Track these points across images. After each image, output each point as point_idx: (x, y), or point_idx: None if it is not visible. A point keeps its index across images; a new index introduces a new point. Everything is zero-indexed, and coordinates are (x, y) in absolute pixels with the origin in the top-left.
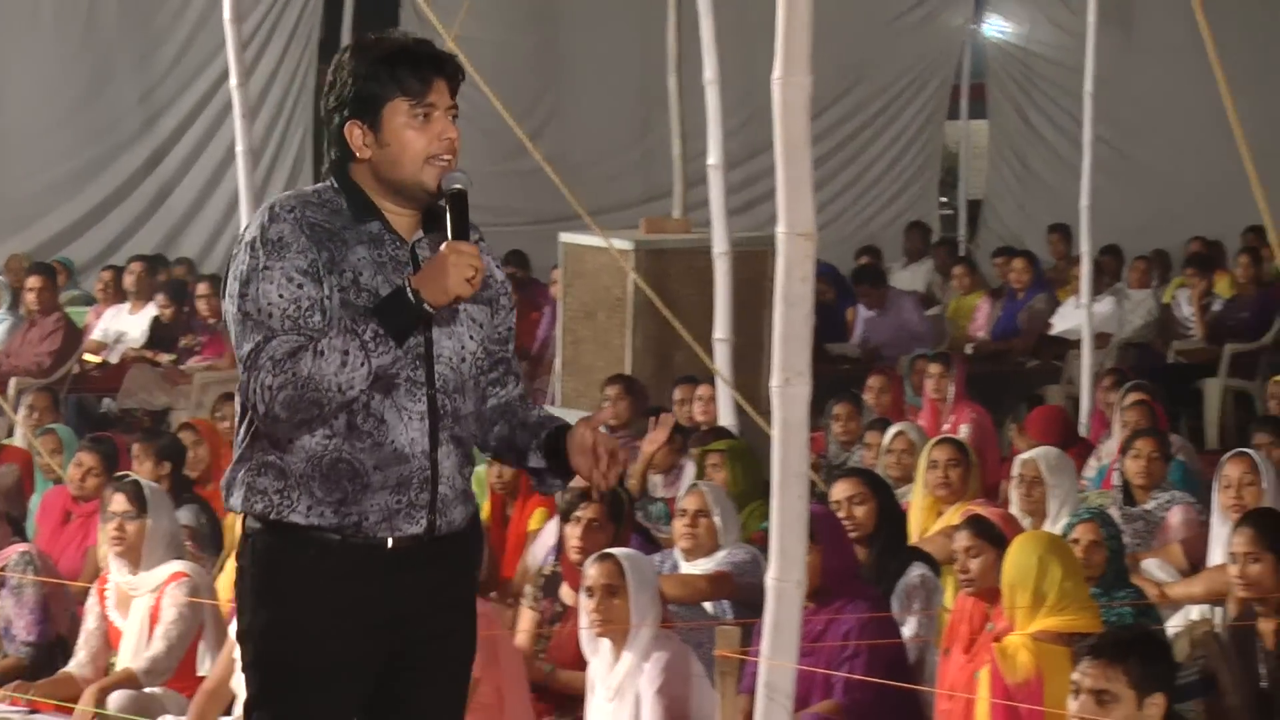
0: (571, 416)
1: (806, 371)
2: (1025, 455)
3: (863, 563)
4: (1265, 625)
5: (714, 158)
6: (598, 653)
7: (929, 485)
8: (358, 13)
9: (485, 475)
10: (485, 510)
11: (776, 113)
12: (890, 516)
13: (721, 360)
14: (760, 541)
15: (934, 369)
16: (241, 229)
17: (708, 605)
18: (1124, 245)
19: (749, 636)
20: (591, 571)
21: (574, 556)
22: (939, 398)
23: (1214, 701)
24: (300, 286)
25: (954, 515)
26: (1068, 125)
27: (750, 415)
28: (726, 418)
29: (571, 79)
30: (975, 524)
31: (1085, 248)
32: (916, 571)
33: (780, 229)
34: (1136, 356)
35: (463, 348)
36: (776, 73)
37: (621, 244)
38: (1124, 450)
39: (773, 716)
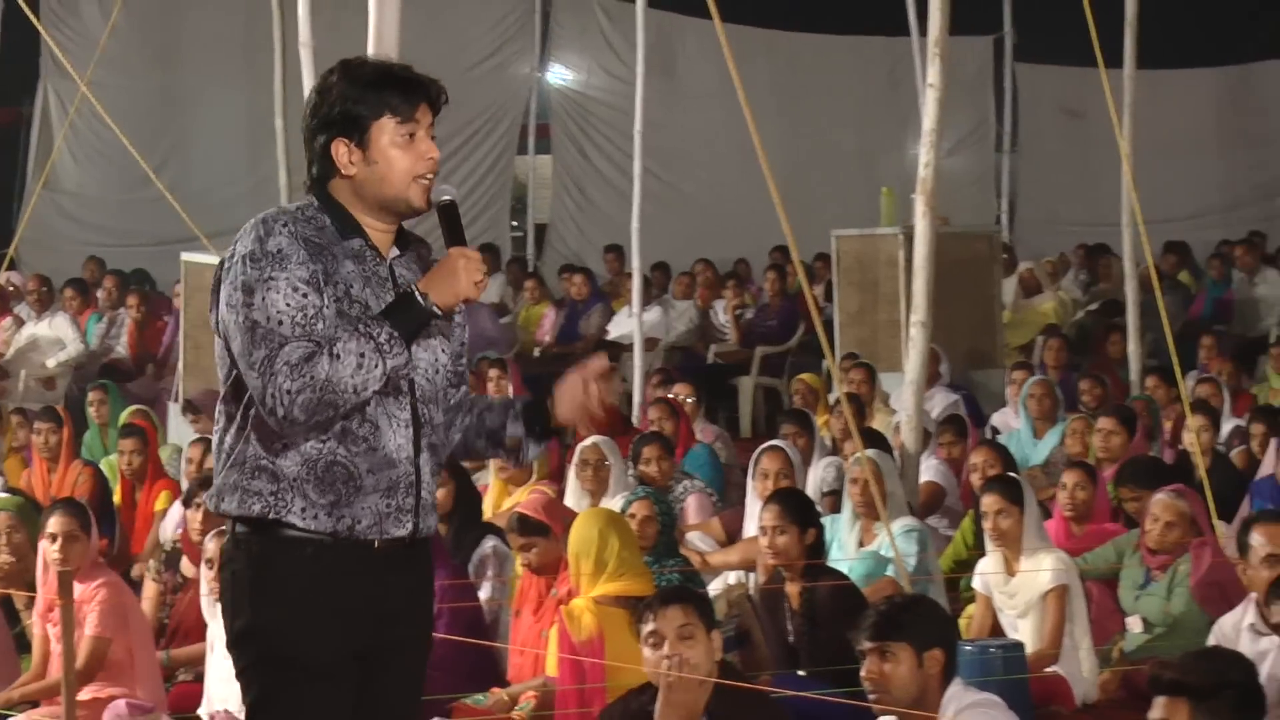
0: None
1: None
2: (587, 442)
3: (443, 536)
4: (791, 588)
5: None
6: (216, 616)
7: (498, 470)
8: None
9: (117, 463)
10: (116, 494)
11: None
12: (467, 496)
13: None
14: None
15: (493, 372)
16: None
17: None
18: (670, 262)
19: None
20: (209, 545)
21: (195, 537)
22: (499, 393)
23: (749, 653)
24: (305, 296)
25: (522, 494)
26: (620, 160)
27: None
28: None
29: (191, 118)
30: (521, 521)
31: (636, 264)
32: (490, 543)
33: None
34: (681, 358)
35: (436, 360)
36: None
37: None
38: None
39: None
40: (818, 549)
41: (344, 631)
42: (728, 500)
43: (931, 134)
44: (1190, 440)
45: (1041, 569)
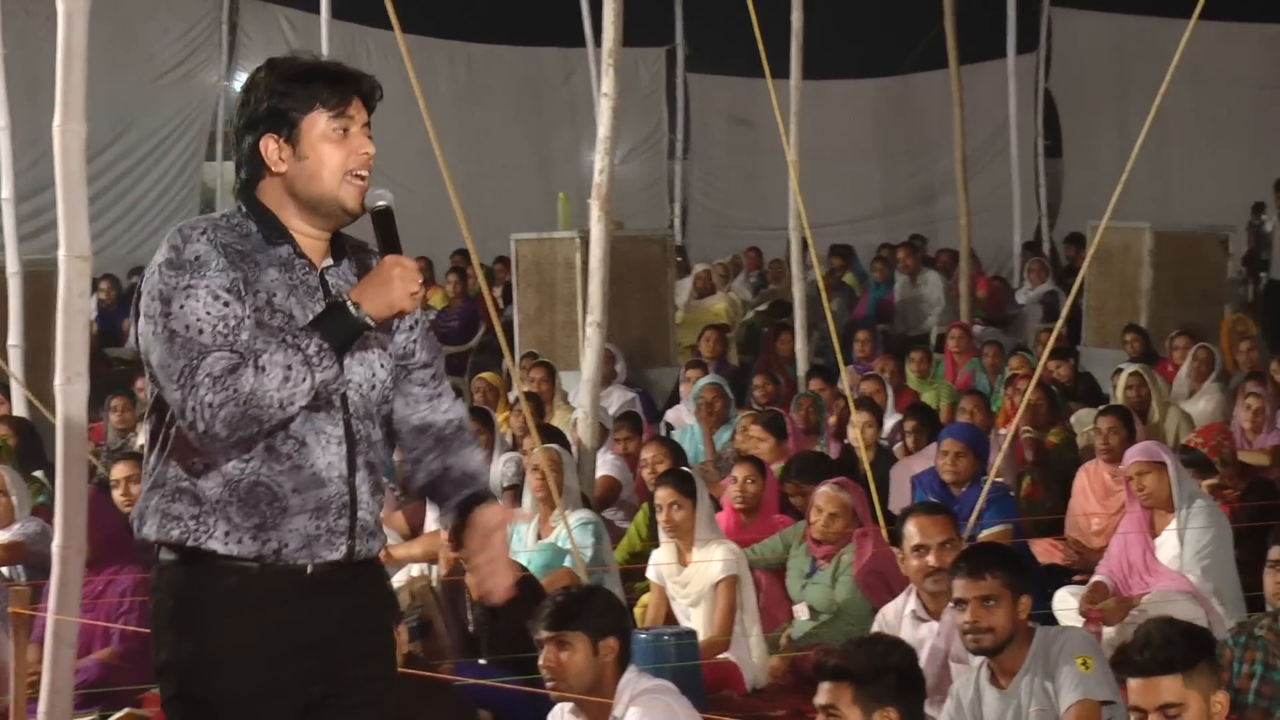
0: None
1: (85, 371)
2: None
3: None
4: (471, 580)
5: (6, 192)
6: None
7: None
8: None
9: None
10: None
11: (57, 155)
12: None
13: (15, 364)
14: (44, 515)
15: None
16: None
17: (3, 569)
18: None
19: (39, 595)
20: None
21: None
22: None
23: (431, 643)
24: (226, 305)
25: None
26: None
27: (40, 410)
28: (20, 413)
29: None
30: None
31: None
32: None
33: (61, 252)
34: None
35: (374, 375)
36: (57, 121)
37: None
38: None
39: (59, 662)
40: None
41: (270, 662)
42: (411, 496)
43: (606, 141)
44: (855, 435)
45: (713, 559)
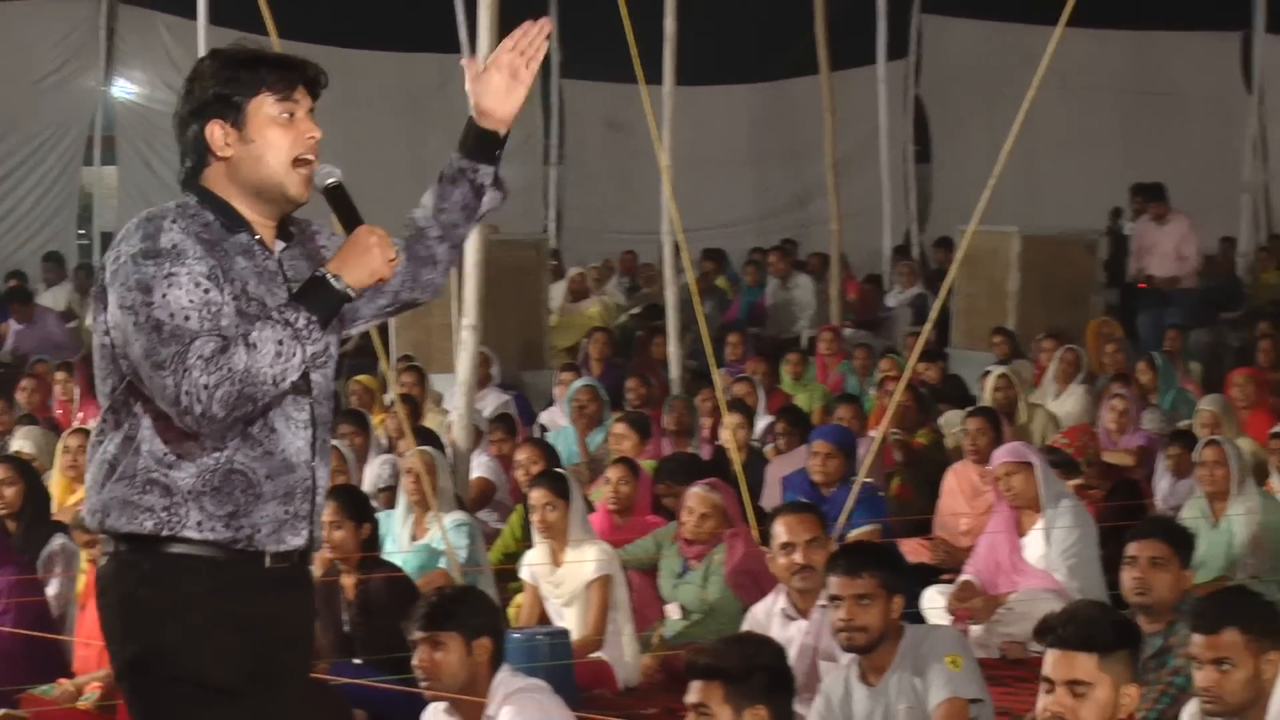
0: None
1: None
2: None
3: (13, 534)
4: (347, 580)
5: None
6: None
7: (63, 468)
8: None
9: None
10: None
11: None
12: (35, 495)
13: None
14: None
15: (59, 375)
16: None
17: None
18: None
19: None
20: None
21: None
22: (66, 399)
23: None
24: (207, 291)
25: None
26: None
27: None
28: None
29: None
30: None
31: None
32: (58, 540)
33: None
34: None
35: (329, 354)
36: None
37: None
38: None
39: None
40: (372, 542)
41: (243, 650)
42: None
43: None
44: (727, 436)
45: (586, 559)
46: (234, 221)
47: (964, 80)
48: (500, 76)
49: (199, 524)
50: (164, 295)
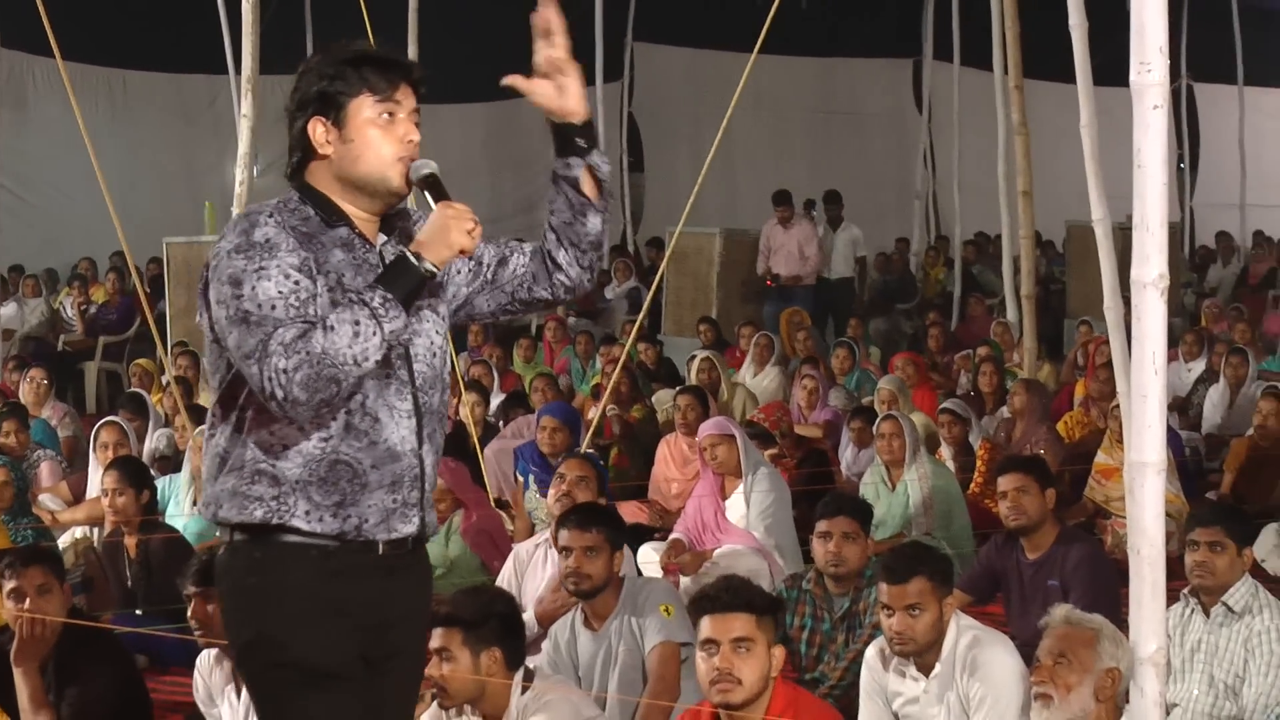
0: None
1: None
2: None
3: None
4: (129, 540)
5: None
6: None
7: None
8: None
9: None
10: None
11: None
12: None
13: None
14: None
15: None
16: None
17: None
18: (25, 265)
19: None
20: None
21: None
22: None
23: (93, 596)
24: (297, 282)
25: None
26: None
27: None
28: None
29: None
30: None
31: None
32: None
33: None
34: (35, 347)
35: (432, 343)
36: None
37: None
38: None
39: None
40: (151, 507)
41: (351, 636)
42: (75, 467)
43: (245, 157)
44: (465, 414)
45: None
46: (333, 216)
47: (671, 100)
48: (546, 82)
49: (307, 514)
50: (253, 288)
